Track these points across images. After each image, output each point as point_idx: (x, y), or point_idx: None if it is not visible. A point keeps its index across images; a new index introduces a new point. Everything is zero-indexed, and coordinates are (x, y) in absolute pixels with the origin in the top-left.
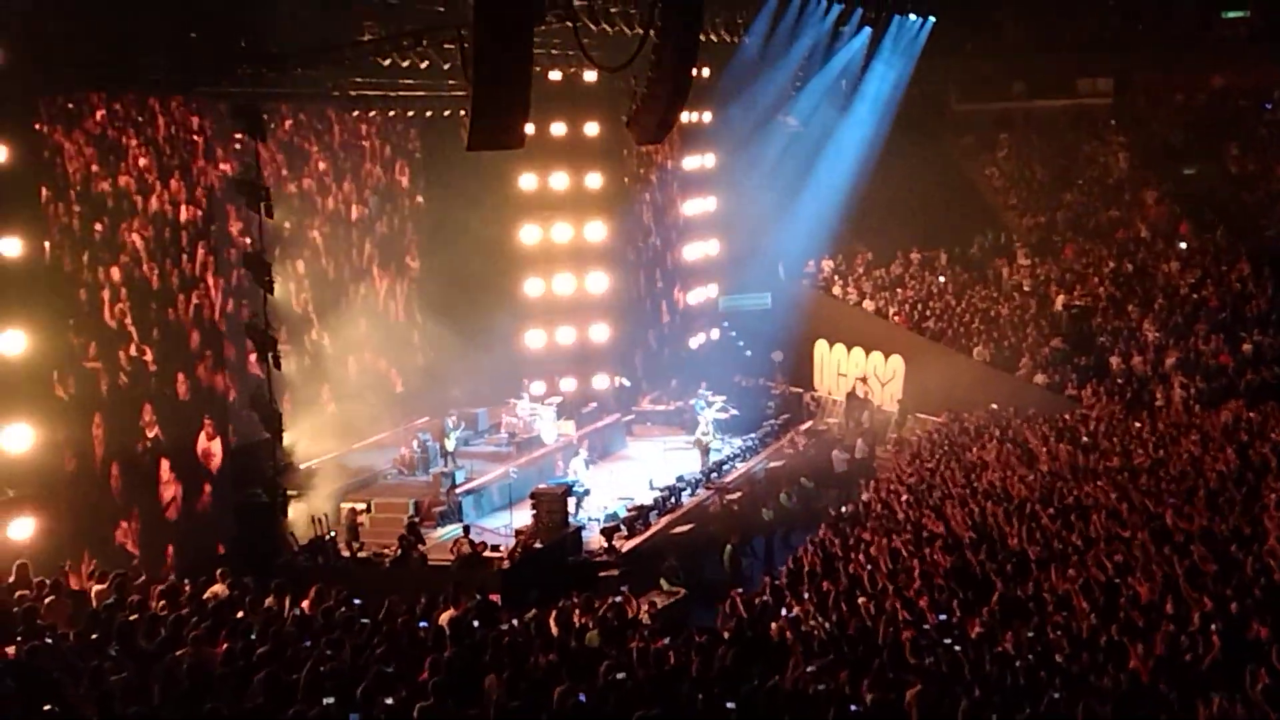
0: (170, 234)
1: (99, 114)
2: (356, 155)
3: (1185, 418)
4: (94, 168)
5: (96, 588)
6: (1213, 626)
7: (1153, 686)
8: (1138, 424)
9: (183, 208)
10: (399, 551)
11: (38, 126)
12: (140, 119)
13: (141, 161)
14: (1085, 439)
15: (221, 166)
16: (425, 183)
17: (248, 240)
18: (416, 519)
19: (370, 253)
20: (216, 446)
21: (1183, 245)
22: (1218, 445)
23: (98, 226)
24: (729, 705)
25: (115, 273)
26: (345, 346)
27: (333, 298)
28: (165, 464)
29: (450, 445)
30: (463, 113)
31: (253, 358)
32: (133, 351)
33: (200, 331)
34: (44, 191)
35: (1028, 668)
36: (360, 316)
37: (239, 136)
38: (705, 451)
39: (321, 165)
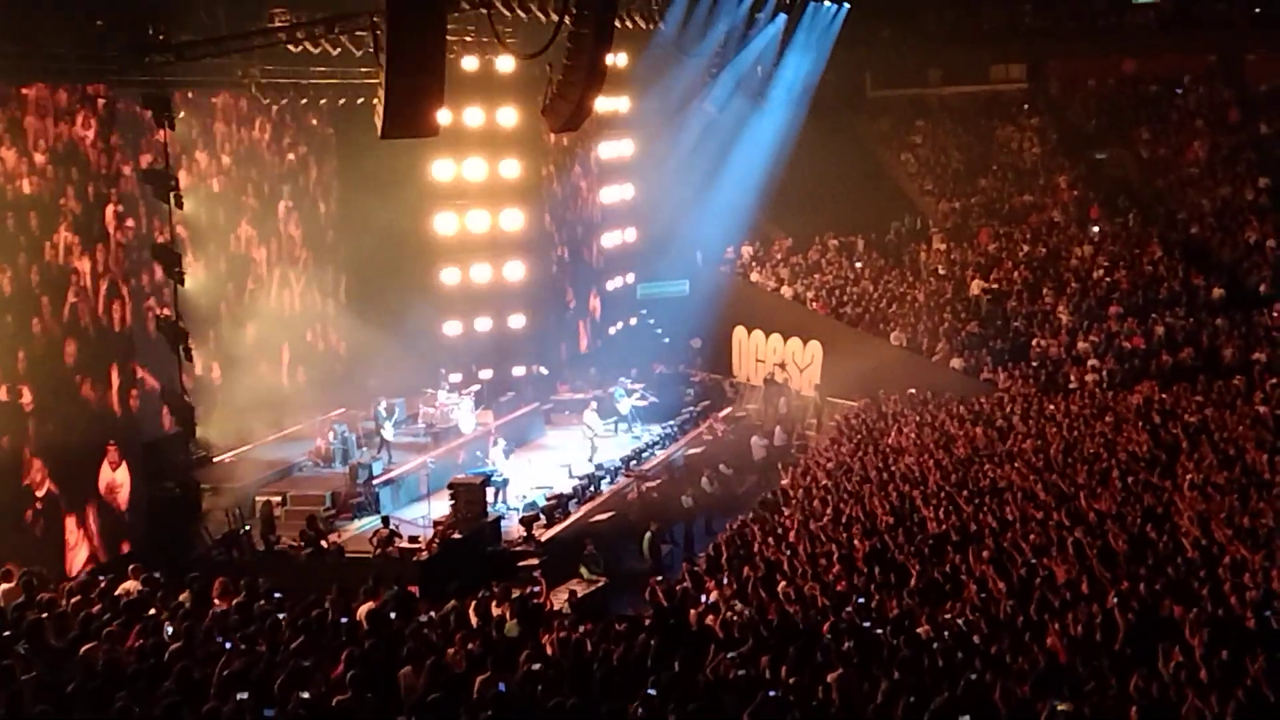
0: (81, 228)
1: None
2: (269, 144)
3: (1099, 400)
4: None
5: (4, 586)
6: (1128, 606)
7: (1069, 666)
8: (1052, 406)
9: (91, 201)
10: (302, 546)
11: None
12: (49, 109)
13: (46, 153)
14: (1001, 422)
15: (128, 159)
16: (339, 171)
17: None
18: (333, 511)
19: (284, 243)
20: (123, 475)
21: (1095, 229)
22: (1130, 427)
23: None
24: (650, 693)
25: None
26: (259, 338)
27: (246, 288)
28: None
29: (388, 433)
30: (376, 100)
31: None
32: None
33: (104, 336)
34: None
35: (946, 649)
36: (274, 307)
37: (149, 126)
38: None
39: (233, 154)
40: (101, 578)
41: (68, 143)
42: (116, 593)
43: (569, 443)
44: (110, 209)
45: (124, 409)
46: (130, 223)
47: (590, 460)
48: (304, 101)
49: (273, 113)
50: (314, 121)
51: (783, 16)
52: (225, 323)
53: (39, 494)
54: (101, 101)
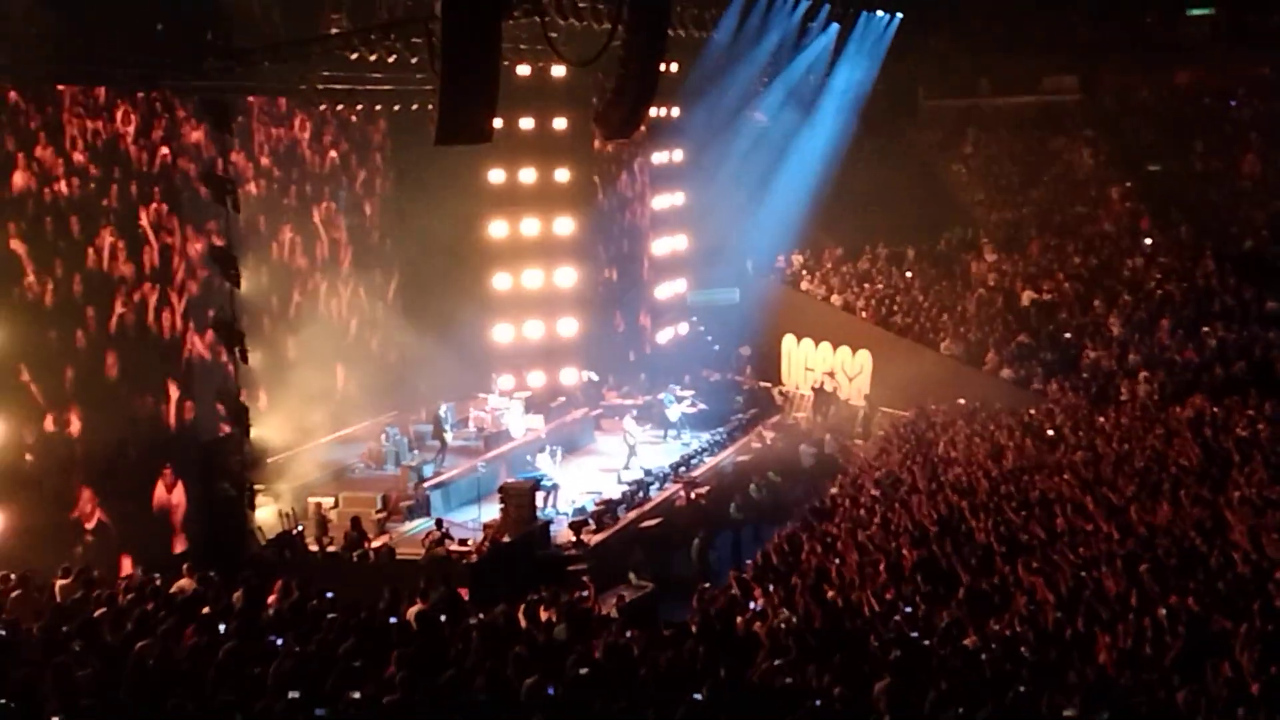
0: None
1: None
2: (324, 150)
3: (1150, 412)
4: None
5: (61, 583)
6: (1177, 620)
7: (1118, 679)
8: (1102, 418)
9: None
10: (344, 547)
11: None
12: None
13: (85, 152)
14: (1050, 433)
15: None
16: (393, 177)
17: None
18: (384, 513)
19: (338, 247)
20: (179, 496)
21: (1148, 241)
22: (1182, 440)
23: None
24: (696, 697)
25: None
26: (312, 341)
27: (300, 292)
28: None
29: (449, 437)
30: (431, 107)
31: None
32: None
33: (154, 345)
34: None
35: (994, 660)
36: (324, 311)
37: (206, 131)
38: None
39: (289, 160)
40: (157, 576)
41: (107, 140)
42: (171, 591)
43: (618, 449)
44: (154, 208)
45: (179, 422)
46: (175, 225)
47: (627, 467)
48: (360, 108)
49: (330, 119)
50: (366, 126)
51: (835, 26)
52: (277, 326)
53: (89, 526)
54: (158, 103)
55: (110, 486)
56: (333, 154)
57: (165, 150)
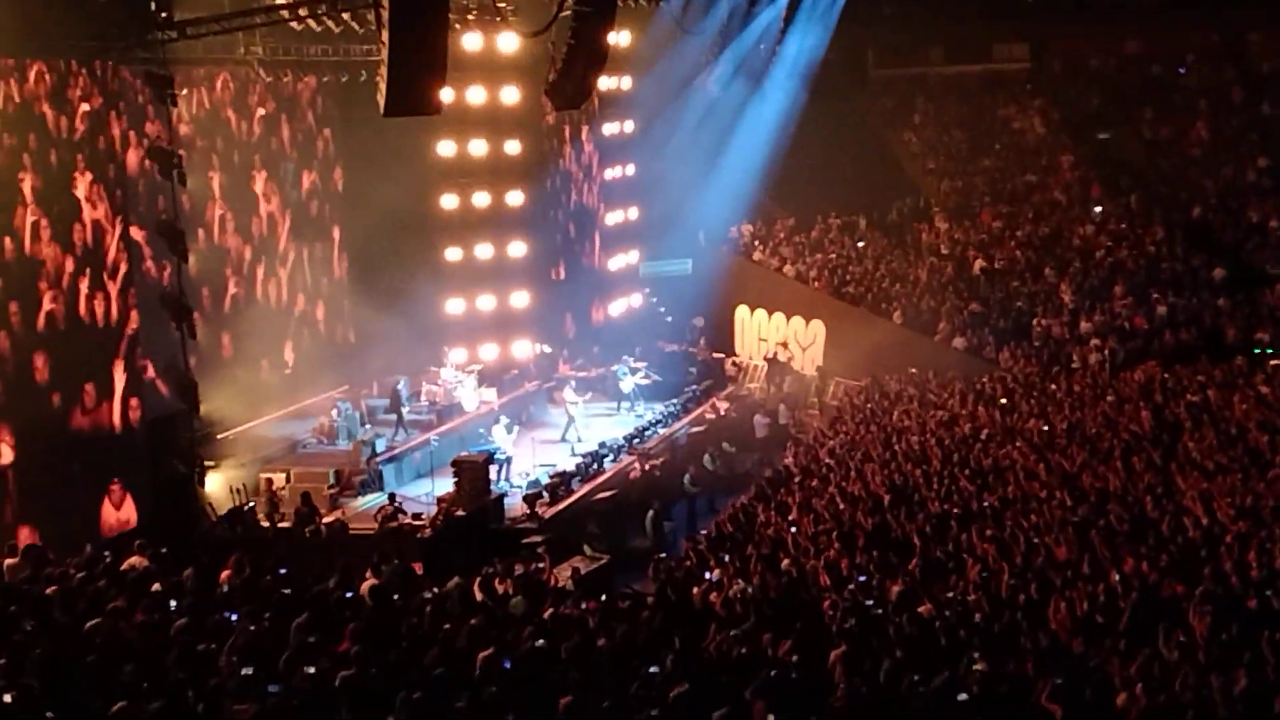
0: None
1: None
2: (271, 122)
3: (1101, 379)
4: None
5: (9, 561)
6: (1130, 585)
7: (1070, 646)
8: (1054, 386)
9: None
10: (295, 523)
11: None
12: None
13: (54, 131)
14: (1003, 401)
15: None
16: (341, 149)
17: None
18: (336, 488)
19: (286, 221)
20: (128, 511)
21: (1098, 209)
22: (1133, 406)
23: None
24: (652, 670)
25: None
26: (261, 316)
27: (249, 267)
28: None
29: (406, 411)
30: (379, 78)
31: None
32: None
33: (90, 335)
34: None
35: (947, 628)
36: (278, 285)
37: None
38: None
39: (235, 132)
40: (107, 553)
41: (35, 114)
42: (122, 568)
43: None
44: (88, 184)
45: (124, 423)
46: (109, 202)
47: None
48: (307, 79)
49: (276, 90)
50: (315, 99)
51: None
52: (225, 301)
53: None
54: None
55: (52, 515)
56: (278, 128)
57: (108, 125)
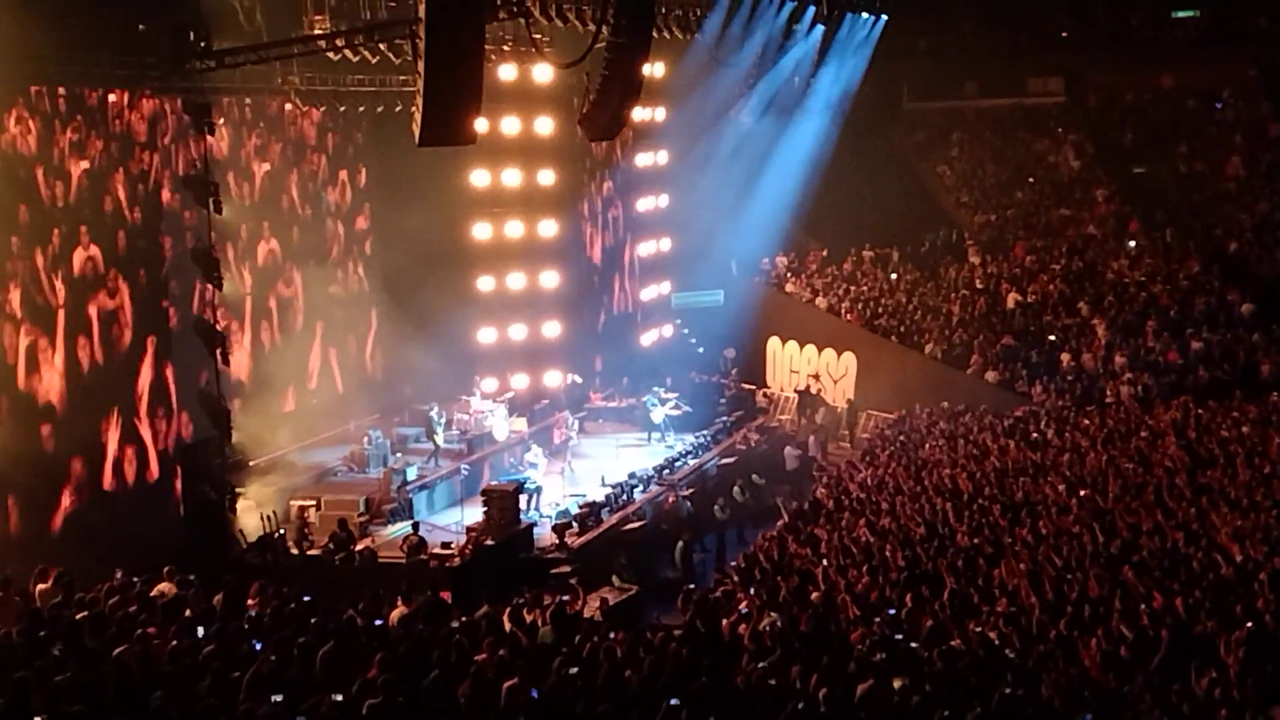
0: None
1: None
2: (307, 151)
3: (1134, 414)
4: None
5: (41, 587)
6: (1161, 622)
7: (1102, 681)
8: (1087, 421)
9: (132, 208)
10: (330, 548)
11: None
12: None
13: (89, 159)
14: (1035, 436)
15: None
16: (376, 179)
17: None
18: (366, 516)
19: (320, 249)
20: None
21: (1132, 244)
22: (1166, 442)
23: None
24: (673, 703)
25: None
26: (295, 343)
27: (283, 294)
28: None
29: (440, 439)
30: (414, 109)
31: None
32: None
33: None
34: None
35: (978, 663)
36: (311, 313)
37: (189, 132)
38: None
39: (272, 161)
40: (137, 579)
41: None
42: (152, 594)
43: (602, 451)
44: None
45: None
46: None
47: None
48: (344, 109)
49: (313, 120)
50: (354, 129)
51: (820, 28)
52: (262, 327)
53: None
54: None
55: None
56: (312, 157)
57: (145, 152)
